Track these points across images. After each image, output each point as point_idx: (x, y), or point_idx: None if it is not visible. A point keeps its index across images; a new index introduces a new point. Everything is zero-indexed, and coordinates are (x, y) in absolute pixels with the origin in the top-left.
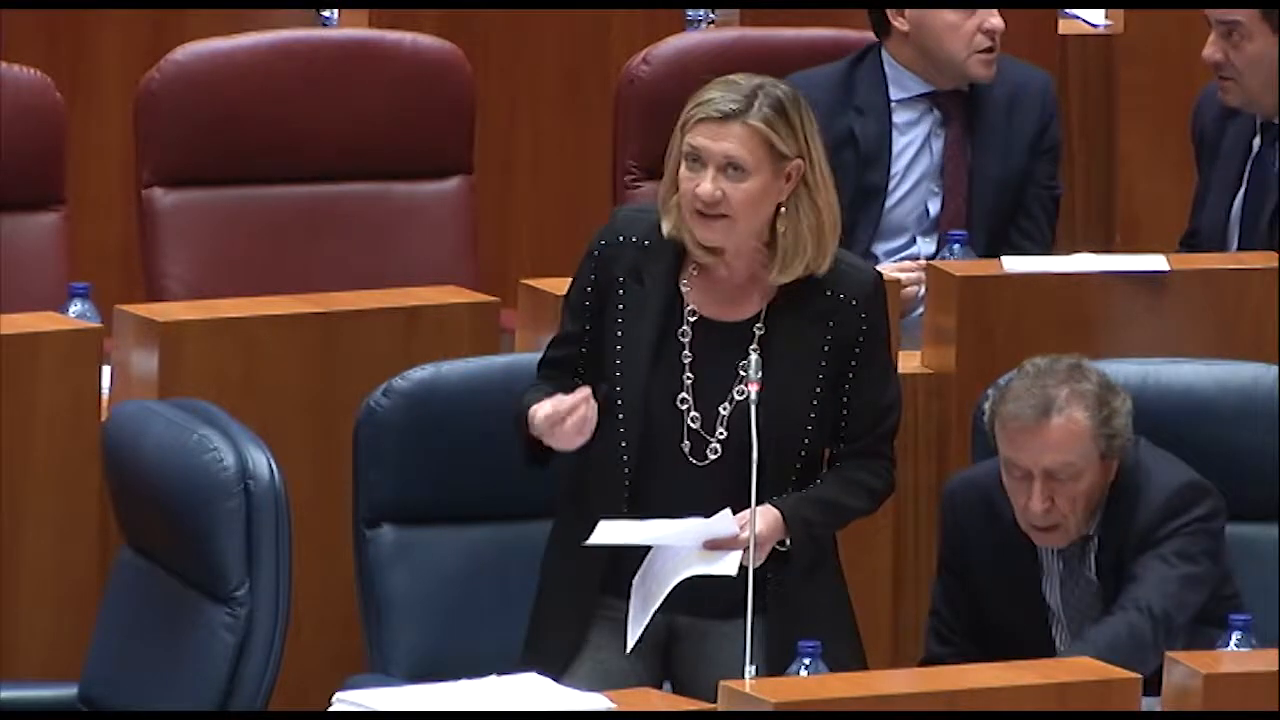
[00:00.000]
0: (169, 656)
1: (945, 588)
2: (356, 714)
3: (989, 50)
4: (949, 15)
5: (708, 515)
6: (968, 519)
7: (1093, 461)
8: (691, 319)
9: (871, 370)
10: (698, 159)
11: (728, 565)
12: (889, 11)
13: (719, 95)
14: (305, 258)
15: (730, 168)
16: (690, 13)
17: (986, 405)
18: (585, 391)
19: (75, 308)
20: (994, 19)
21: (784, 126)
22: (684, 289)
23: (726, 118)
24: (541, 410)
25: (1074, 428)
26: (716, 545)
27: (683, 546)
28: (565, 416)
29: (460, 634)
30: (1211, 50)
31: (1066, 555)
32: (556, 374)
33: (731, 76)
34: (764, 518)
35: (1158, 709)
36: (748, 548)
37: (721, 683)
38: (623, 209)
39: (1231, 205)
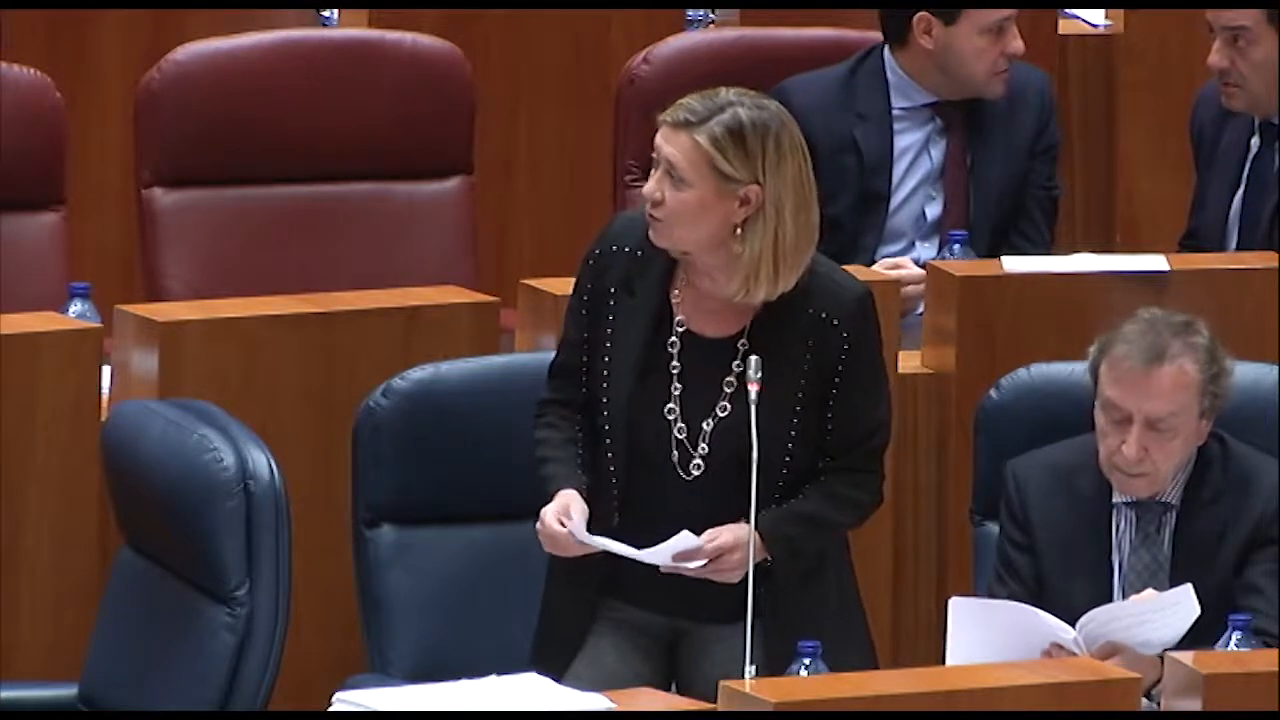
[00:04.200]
0: (169, 656)
1: (1011, 565)
2: (356, 714)
3: (1005, 70)
4: (978, 40)
5: (695, 526)
6: (1032, 492)
7: (1192, 417)
8: (680, 329)
9: (855, 389)
10: (654, 157)
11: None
12: (916, 28)
13: (688, 101)
14: (305, 258)
15: (671, 173)
16: (690, 13)
17: (1093, 348)
18: (562, 505)
19: (75, 308)
20: (1016, 43)
21: (735, 150)
22: (674, 300)
23: (678, 126)
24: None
25: (1183, 379)
26: (683, 558)
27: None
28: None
29: (460, 634)
30: (1217, 57)
31: (1143, 522)
32: (564, 384)
33: (724, 88)
34: (739, 534)
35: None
36: (713, 561)
37: (721, 683)
38: (620, 215)
39: (1230, 205)
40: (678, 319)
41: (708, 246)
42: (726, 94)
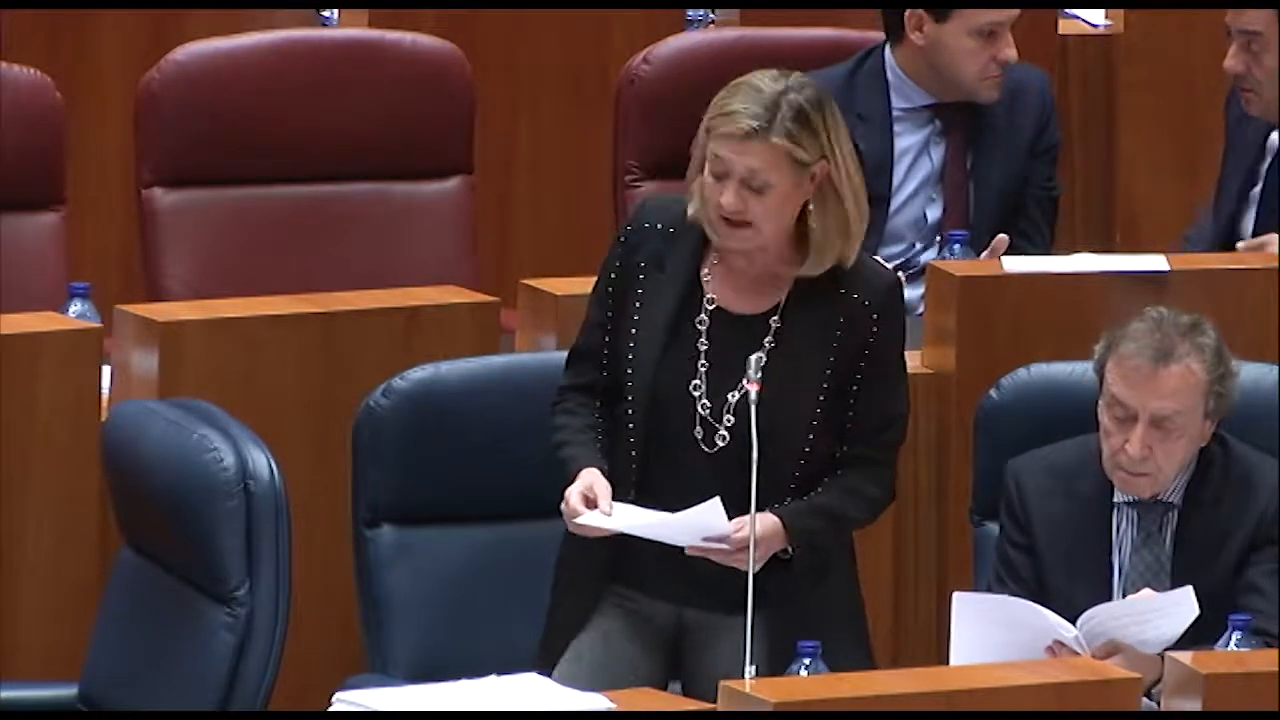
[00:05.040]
0: (169, 656)
1: (1011, 565)
2: (356, 714)
3: (997, 76)
4: (966, 40)
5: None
6: (1032, 492)
7: (1197, 418)
8: (710, 307)
9: (881, 377)
10: (721, 170)
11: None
12: (908, 23)
13: (741, 108)
14: (305, 258)
15: (750, 183)
16: (690, 13)
17: (1099, 345)
18: (585, 484)
19: (75, 308)
20: (1009, 50)
21: (807, 136)
22: (705, 278)
23: (748, 135)
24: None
25: (1190, 378)
26: (701, 552)
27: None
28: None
29: (460, 634)
30: (1233, 62)
31: (1144, 522)
32: (585, 368)
33: (757, 79)
34: (764, 524)
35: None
36: (739, 550)
37: (721, 683)
38: (653, 197)
39: (1244, 203)
40: (708, 296)
41: (782, 231)
42: (767, 84)
